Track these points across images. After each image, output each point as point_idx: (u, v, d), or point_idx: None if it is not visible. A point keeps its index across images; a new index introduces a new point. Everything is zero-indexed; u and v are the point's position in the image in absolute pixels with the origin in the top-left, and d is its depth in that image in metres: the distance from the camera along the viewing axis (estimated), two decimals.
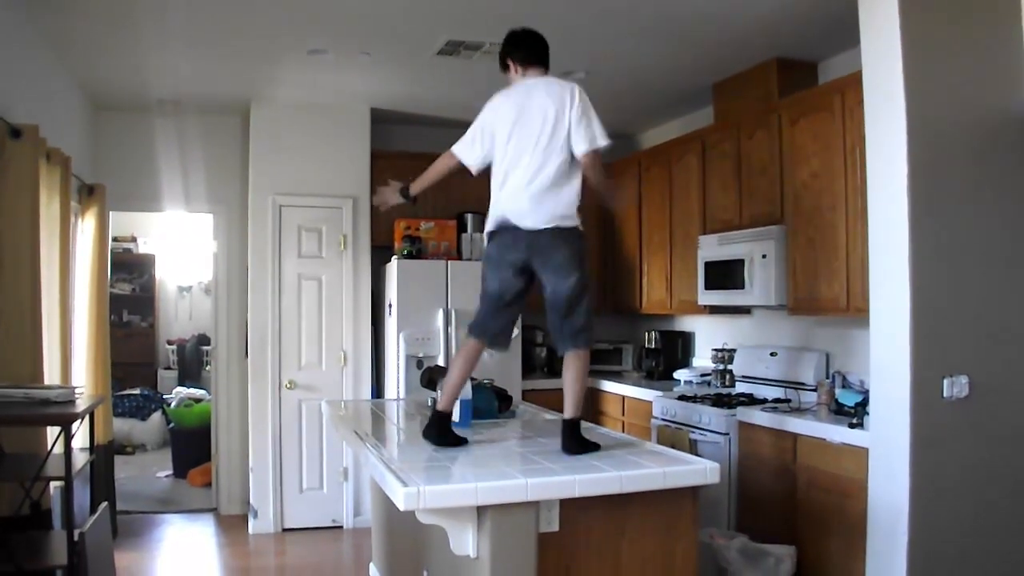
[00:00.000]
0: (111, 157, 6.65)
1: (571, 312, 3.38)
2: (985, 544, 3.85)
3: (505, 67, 3.64)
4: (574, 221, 3.43)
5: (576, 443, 3.33)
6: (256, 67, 5.72)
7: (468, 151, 3.58)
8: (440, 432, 3.45)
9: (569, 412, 3.38)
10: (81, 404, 3.83)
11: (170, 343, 11.59)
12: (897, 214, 3.74)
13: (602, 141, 3.38)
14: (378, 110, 6.84)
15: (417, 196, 3.93)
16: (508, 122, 3.43)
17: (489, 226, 3.51)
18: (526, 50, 3.60)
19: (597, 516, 2.99)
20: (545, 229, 3.36)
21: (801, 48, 5.26)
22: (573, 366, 3.39)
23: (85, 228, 5.85)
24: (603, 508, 2.98)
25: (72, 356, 5.18)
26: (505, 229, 3.42)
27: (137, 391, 10.09)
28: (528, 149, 3.37)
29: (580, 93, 3.40)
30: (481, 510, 2.82)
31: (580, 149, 3.35)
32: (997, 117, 3.95)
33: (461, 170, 3.64)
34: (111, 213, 6.51)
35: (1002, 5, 3.99)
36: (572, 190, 3.41)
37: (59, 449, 3.63)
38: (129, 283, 11.47)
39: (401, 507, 2.66)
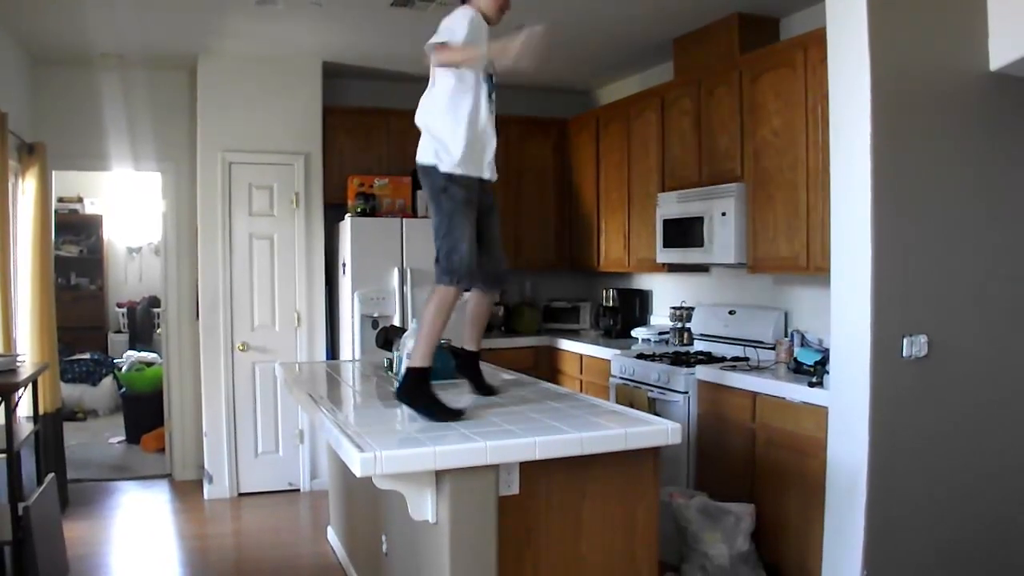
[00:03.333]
0: (53, 114, 6.43)
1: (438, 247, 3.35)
2: (943, 503, 3.87)
3: None
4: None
5: (406, 393, 3.25)
6: (203, 18, 5.51)
7: None
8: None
9: (411, 357, 3.30)
10: (23, 372, 3.69)
11: (120, 306, 11.39)
12: (859, 172, 3.70)
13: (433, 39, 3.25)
14: (330, 64, 6.67)
15: None
16: None
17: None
18: None
19: (558, 478, 2.95)
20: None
21: (763, 3, 5.20)
22: (428, 302, 3.34)
23: (26, 188, 5.66)
24: (564, 470, 2.94)
25: (15, 322, 5.02)
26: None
27: (87, 356, 9.89)
28: None
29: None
30: (440, 475, 2.77)
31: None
32: (961, 75, 3.90)
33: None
34: (54, 172, 6.34)
35: None
36: (434, 122, 3.36)
37: (1, 420, 3.50)
38: (76, 245, 11.22)
39: (358, 473, 2.60)
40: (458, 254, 3.26)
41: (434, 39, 3.24)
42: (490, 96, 3.39)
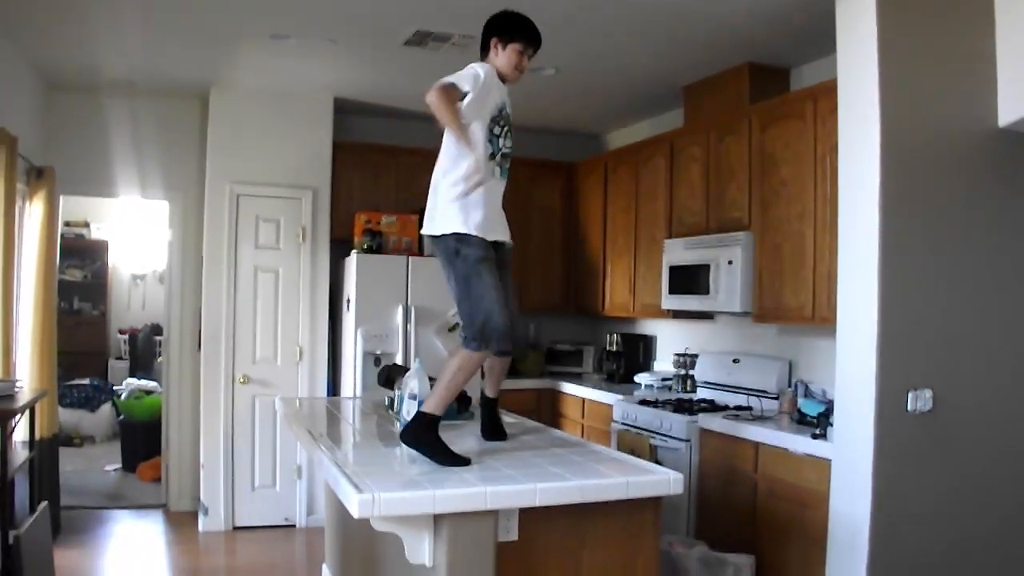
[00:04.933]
0: (63, 139, 6.44)
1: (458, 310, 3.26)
2: (946, 559, 3.82)
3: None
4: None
5: (413, 435, 3.16)
6: (216, 50, 5.55)
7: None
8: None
9: (427, 402, 3.21)
10: (21, 398, 3.66)
11: (122, 332, 11.39)
12: (867, 225, 3.71)
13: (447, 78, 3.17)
14: (342, 100, 6.70)
15: None
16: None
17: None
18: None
19: (557, 525, 2.91)
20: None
21: (774, 54, 5.22)
22: (448, 362, 3.24)
23: (33, 212, 5.67)
24: (564, 517, 2.90)
25: (15, 345, 5.00)
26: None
27: (87, 381, 9.85)
28: None
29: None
30: (438, 518, 2.73)
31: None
32: (970, 131, 3.92)
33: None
34: (62, 197, 6.34)
35: (977, 20, 3.96)
36: (442, 193, 3.27)
37: None
38: (81, 270, 11.23)
39: (356, 515, 2.56)
40: (481, 317, 3.14)
41: (445, 79, 3.16)
42: (494, 156, 3.29)
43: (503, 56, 3.36)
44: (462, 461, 3.06)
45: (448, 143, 3.25)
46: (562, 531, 2.93)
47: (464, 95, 3.15)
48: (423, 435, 3.15)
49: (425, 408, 3.18)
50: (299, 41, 5.29)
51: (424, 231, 3.33)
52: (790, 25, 4.68)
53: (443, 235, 3.23)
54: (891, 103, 3.69)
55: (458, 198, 3.18)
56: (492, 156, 3.28)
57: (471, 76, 3.19)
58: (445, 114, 3.08)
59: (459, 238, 3.21)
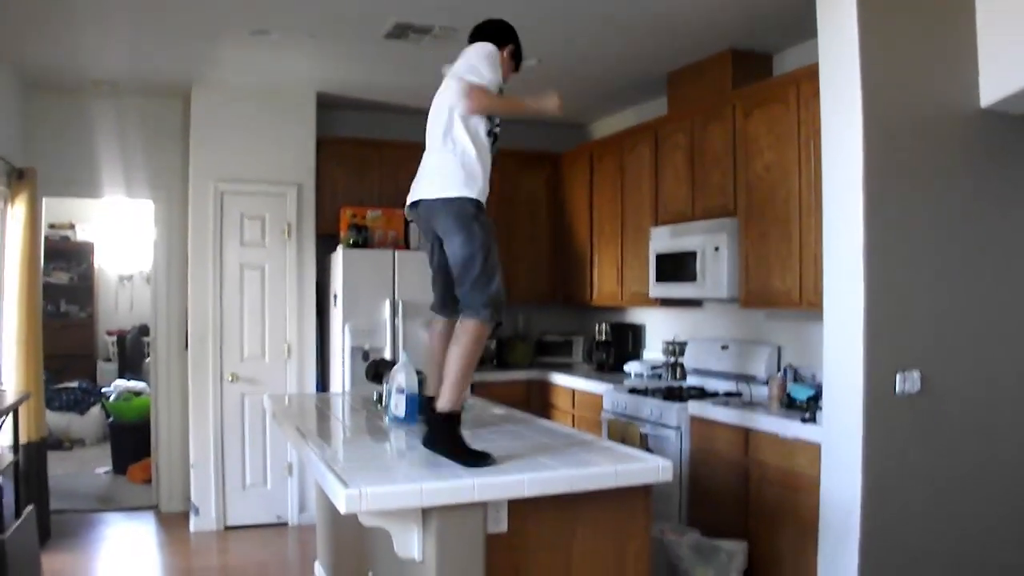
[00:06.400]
0: (45, 140, 6.39)
1: (462, 278, 3.19)
2: (936, 539, 3.83)
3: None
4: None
5: (435, 439, 3.09)
6: (196, 47, 5.51)
7: None
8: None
9: (441, 400, 3.09)
10: (3, 401, 3.63)
11: (110, 334, 11.33)
12: (851, 208, 3.71)
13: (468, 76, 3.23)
14: (324, 95, 6.67)
15: None
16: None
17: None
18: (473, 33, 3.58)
19: (547, 516, 2.90)
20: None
21: (756, 39, 5.22)
22: (457, 337, 3.14)
23: (15, 214, 5.62)
24: (553, 508, 2.89)
25: None
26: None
27: (75, 384, 9.79)
28: (431, 122, 3.35)
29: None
30: (426, 512, 2.72)
31: (456, 104, 3.21)
32: (952, 112, 3.93)
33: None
34: (45, 199, 6.28)
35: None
36: (454, 160, 3.25)
37: None
38: (67, 272, 11.17)
39: (343, 510, 2.54)
40: (495, 286, 3.13)
41: (467, 76, 3.21)
42: (491, 133, 3.34)
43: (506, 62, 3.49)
44: (487, 460, 2.94)
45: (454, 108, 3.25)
46: (552, 521, 2.92)
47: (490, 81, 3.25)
48: (443, 436, 3.06)
49: (444, 407, 3.08)
50: (280, 36, 5.25)
51: (430, 193, 3.24)
52: (772, 10, 4.68)
53: (460, 197, 3.18)
54: (873, 85, 3.69)
55: (477, 161, 3.21)
56: (489, 133, 3.30)
57: (488, 55, 3.28)
58: (500, 109, 3.27)
59: (477, 205, 3.21)
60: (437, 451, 3.06)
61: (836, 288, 3.83)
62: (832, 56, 3.87)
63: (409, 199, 3.36)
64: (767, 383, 5.02)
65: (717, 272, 5.15)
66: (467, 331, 3.11)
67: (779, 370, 5.08)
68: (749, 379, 5.23)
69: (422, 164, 3.35)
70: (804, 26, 4.20)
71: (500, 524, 2.81)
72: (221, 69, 6.03)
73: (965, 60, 3.94)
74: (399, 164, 6.40)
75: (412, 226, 6.56)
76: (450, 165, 3.22)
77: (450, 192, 3.20)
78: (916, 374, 3.74)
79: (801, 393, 4.53)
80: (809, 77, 4.29)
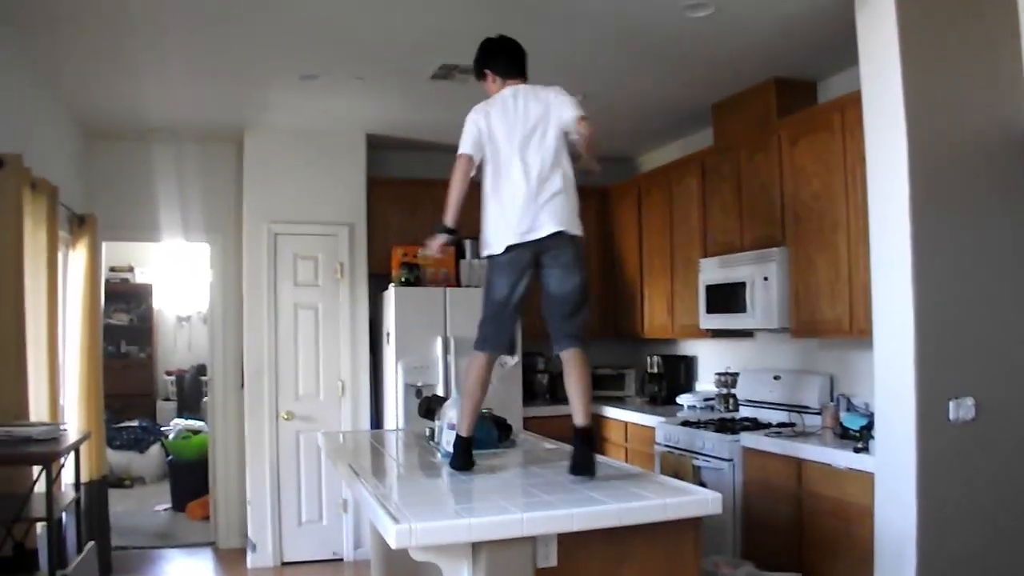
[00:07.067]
0: (104, 186, 6.59)
1: (577, 311, 3.42)
2: (995, 569, 3.75)
3: (481, 76, 3.64)
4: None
5: (591, 457, 3.30)
6: (248, 93, 5.66)
7: (477, 152, 3.48)
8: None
9: (583, 418, 3.33)
10: (65, 441, 3.73)
11: (169, 374, 11.53)
12: (899, 233, 3.68)
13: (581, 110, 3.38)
14: (374, 136, 6.79)
15: (458, 226, 3.62)
16: (503, 131, 3.42)
17: (498, 248, 3.40)
18: (507, 59, 3.59)
19: (597, 550, 2.89)
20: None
21: (799, 68, 5.21)
22: (580, 365, 3.38)
23: (76, 258, 5.79)
24: (603, 541, 2.88)
25: (62, 390, 5.09)
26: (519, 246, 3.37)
27: (135, 423, 10.00)
28: (531, 157, 3.38)
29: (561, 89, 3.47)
30: (476, 546, 2.73)
31: (570, 114, 3.37)
32: (998, 134, 3.89)
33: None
34: (106, 243, 6.46)
35: (1001, 22, 3.94)
36: (575, 194, 3.47)
37: (42, 487, 3.54)
38: (127, 313, 11.42)
39: (393, 545, 2.57)
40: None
41: (579, 111, 3.39)
42: None
43: None
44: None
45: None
46: (602, 555, 2.91)
47: None
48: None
49: (589, 423, 3.34)
50: (328, 80, 5.37)
51: (571, 228, 3.43)
52: (814, 37, 4.66)
53: (581, 236, 3.44)
54: (916, 110, 3.67)
55: None
56: None
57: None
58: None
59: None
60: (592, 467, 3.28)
61: (886, 315, 3.79)
62: (874, 81, 3.87)
63: (544, 229, 3.37)
64: (820, 413, 4.98)
65: (767, 302, 5.12)
66: (584, 359, 3.41)
67: (832, 399, 5.03)
68: (802, 409, 5.18)
69: (544, 186, 3.38)
70: (847, 52, 4.18)
71: (550, 558, 2.81)
72: (272, 113, 6.18)
73: (1009, 81, 3.91)
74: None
75: (463, 263, 6.62)
76: (575, 199, 3.47)
77: (580, 229, 3.48)
78: (970, 401, 3.68)
79: (854, 422, 4.48)
80: (853, 103, 4.27)
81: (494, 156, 3.43)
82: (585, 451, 3.29)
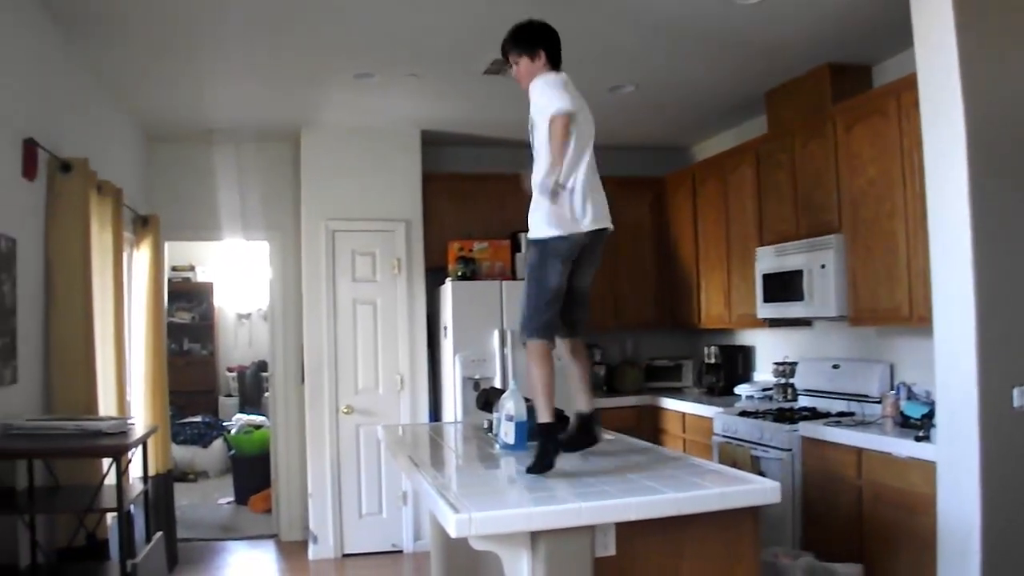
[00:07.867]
0: (165, 187, 6.75)
1: (586, 304, 3.50)
2: None
3: (530, 53, 3.40)
4: None
5: (593, 429, 3.45)
6: (304, 93, 5.76)
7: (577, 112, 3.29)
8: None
9: (588, 404, 3.46)
10: (134, 435, 3.84)
11: (230, 370, 11.73)
12: (958, 218, 3.62)
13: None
14: (428, 131, 6.84)
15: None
16: (582, 110, 3.34)
17: (566, 231, 3.24)
18: (557, 48, 3.43)
19: (654, 539, 2.90)
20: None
21: (853, 52, 5.14)
22: (585, 354, 3.54)
23: (140, 258, 5.92)
24: (660, 530, 2.89)
25: (128, 386, 5.22)
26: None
27: (198, 418, 10.20)
28: (591, 146, 3.34)
29: None
30: (535, 535, 2.75)
31: None
32: None
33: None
34: (167, 243, 6.59)
35: None
36: None
37: (113, 480, 3.64)
38: (189, 312, 11.64)
39: (452, 534, 2.61)
40: None
41: None
42: None
43: None
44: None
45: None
46: (660, 544, 2.92)
47: None
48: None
49: (590, 408, 3.50)
50: (383, 78, 5.44)
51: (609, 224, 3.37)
52: (867, 21, 4.60)
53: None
54: (973, 92, 3.60)
55: None
56: None
57: None
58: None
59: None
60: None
61: (946, 302, 3.74)
62: (930, 64, 3.81)
63: (603, 222, 3.30)
64: (880, 402, 4.92)
65: (824, 290, 5.08)
66: (585, 348, 3.54)
67: (892, 388, 4.98)
68: (862, 398, 5.13)
69: (598, 187, 3.33)
70: (903, 34, 4.11)
71: (608, 547, 2.83)
72: (329, 112, 6.26)
73: None
74: (503, 196, 6.53)
75: (518, 256, 6.66)
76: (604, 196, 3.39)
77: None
78: None
79: (915, 411, 4.43)
80: (909, 87, 4.21)
81: (577, 132, 3.26)
82: (588, 425, 3.44)
